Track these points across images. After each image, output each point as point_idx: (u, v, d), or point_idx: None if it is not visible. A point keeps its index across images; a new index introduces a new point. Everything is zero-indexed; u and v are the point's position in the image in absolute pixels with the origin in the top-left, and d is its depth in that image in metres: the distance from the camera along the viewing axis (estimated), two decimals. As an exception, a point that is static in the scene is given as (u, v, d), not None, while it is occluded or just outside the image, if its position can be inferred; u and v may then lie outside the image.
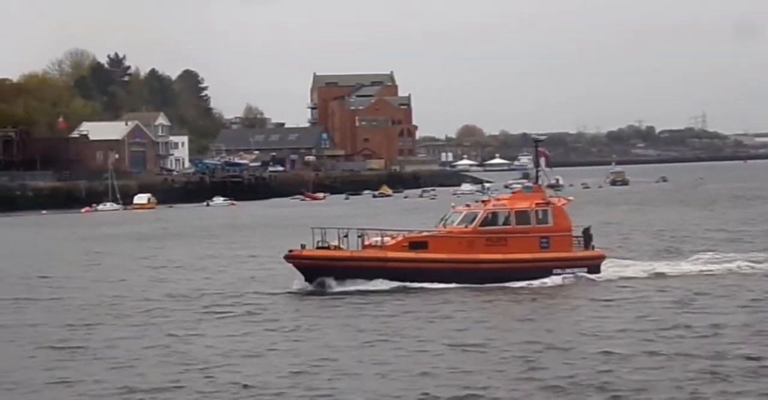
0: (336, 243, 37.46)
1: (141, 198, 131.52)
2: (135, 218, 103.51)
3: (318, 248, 37.39)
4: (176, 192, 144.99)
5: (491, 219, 38.09)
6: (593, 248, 39.50)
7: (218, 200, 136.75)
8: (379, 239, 37.94)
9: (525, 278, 37.18)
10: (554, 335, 27.84)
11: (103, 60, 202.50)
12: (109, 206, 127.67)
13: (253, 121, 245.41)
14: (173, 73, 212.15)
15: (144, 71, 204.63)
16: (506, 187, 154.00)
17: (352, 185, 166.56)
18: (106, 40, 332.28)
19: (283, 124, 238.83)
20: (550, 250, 38.21)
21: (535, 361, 24.47)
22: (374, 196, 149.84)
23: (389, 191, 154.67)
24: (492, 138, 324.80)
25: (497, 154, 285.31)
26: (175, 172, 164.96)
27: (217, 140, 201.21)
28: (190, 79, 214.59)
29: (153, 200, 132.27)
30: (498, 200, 39.74)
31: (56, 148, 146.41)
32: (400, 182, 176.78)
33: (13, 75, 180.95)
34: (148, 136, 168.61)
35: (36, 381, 23.76)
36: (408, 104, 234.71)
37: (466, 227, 38.00)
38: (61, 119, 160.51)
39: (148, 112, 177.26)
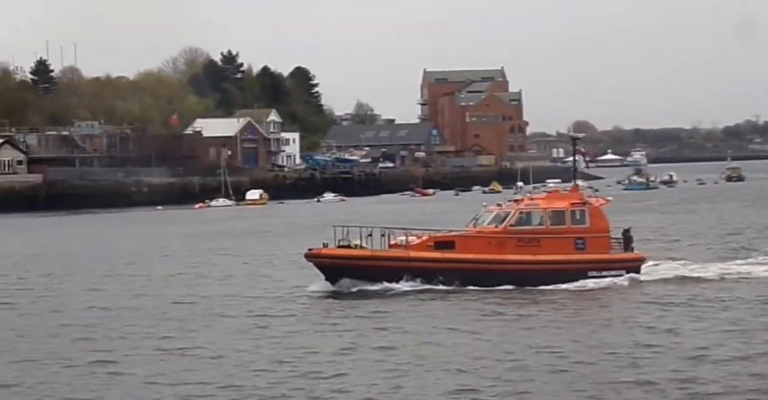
0: (358, 242, 36.48)
1: (253, 194, 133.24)
2: (246, 214, 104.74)
3: (339, 246, 36.43)
4: (287, 188, 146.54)
5: (524, 219, 36.85)
6: (633, 250, 38.05)
7: (329, 195, 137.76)
8: (404, 238, 36.91)
9: (558, 280, 35.80)
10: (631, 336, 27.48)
11: (217, 58, 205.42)
12: (221, 201, 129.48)
13: (363, 117, 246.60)
14: (285, 70, 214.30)
15: (256, 68, 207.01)
16: (622, 183, 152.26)
17: (461, 181, 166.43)
18: (220, 38, 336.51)
19: (393, 121, 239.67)
20: (586, 251, 36.72)
21: (636, 362, 24.15)
22: (484, 192, 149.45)
23: (499, 188, 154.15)
24: (604, 134, 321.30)
25: (609, 150, 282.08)
26: (286, 169, 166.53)
27: (328, 137, 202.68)
28: (302, 76, 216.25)
29: (265, 195, 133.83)
30: (532, 199, 38.38)
31: (171, 144, 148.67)
32: (510, 178, 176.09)
33: (130, 73, 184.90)
34: (260, 132, 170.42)
35: (138, 381, 23.79)
36: (519, 100, 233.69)
37: (496, 226, 36.74)
38: (174, 116, 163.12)
39: (260, 108, 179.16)
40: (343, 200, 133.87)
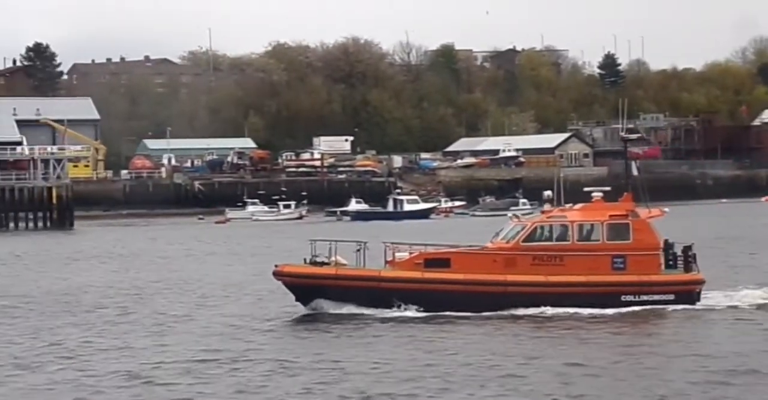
0: (336, 258, 31.64)
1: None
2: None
3: (311, 263, 31.88)
4: None
5: (540, 233, 31.42)
6: (695, 270, 31.44)
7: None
8: (404, 254, 31.89)
9: (576, 305, 30.36)
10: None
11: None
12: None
13: None
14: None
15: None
16: None
17: None
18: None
19: None
20: (627, 272, 30.94)
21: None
22: None
23: None
24: None
25: None
26: None
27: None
28: None
29: None
30: (562, 210, 32.37)
31: (736, 136, 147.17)
32: None
33: (697, 64, 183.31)
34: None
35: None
36: None
37: (507, 242, 31.59)
38: (744, 107, 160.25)
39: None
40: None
